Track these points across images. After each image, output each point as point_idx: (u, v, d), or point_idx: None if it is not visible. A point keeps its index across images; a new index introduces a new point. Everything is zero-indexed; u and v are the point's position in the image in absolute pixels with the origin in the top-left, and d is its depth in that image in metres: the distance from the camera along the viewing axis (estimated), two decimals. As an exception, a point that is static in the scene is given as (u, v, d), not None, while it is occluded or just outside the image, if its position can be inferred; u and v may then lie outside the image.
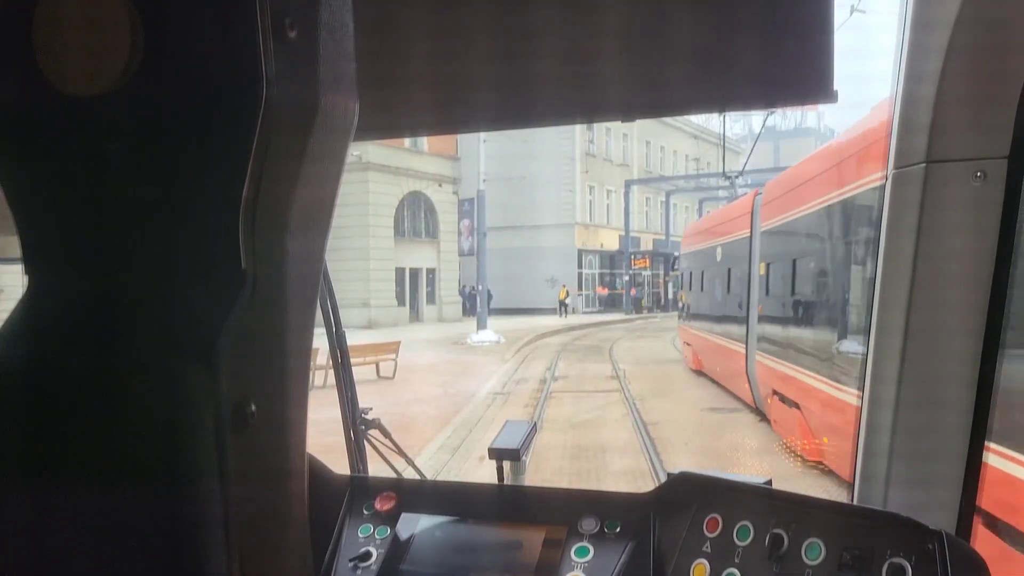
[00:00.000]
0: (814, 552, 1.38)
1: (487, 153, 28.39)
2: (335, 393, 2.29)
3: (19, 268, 0.72)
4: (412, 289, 35.59)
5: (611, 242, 43.74)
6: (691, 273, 20.03)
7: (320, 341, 1.50)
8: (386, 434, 2.33)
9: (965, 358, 1.42)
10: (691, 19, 1.20)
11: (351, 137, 0.72)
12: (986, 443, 1.45)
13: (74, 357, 0.65)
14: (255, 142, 0.61)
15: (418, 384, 16.49)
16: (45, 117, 0.65)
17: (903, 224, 1.43)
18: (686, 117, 40.42)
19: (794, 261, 10.61)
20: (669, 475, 1.70)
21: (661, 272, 43.27)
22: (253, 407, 0.63)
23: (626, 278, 42.39)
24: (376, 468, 2.27)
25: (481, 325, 26.70)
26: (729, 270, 15.16)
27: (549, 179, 40.68)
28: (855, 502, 1.57)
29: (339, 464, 2.08)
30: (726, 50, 1.22)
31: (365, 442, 2.28)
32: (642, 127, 44.30)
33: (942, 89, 1.33)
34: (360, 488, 1.91)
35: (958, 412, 1.43)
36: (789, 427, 9.93)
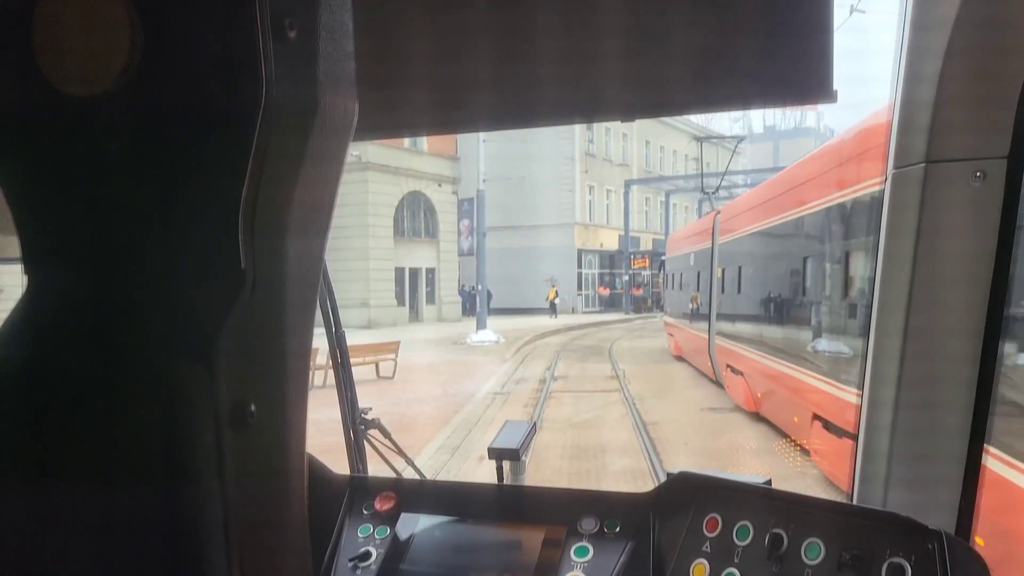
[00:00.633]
0: (814, 552, 1.38)
1: (487, 153, 28.40)
2: (335, 393, 2.29)
3: (19, 268, 0.72)
4: (412, 289, 35.58)
5: (611, 242, 43.74)
6: (671, 276, 24.28)
7: (320, 341, 1.50)
8: (386, 434, 2.33)
9: (965, 358, 1.42)
10: (691, 19, 1.20)
11: (351, 137, 0.72)
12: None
13: (73, 357, 0.65)
14: (254, 142, 0.61)
15: (418, 384, 16.49)
16: (45, 117, 0.65)
17: (902, 224, 1.43)
18: (686, 117, 40.41)
19: (739, 268, 14.50)
20: (669, 475, 1.70)
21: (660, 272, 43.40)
22: (252, 407, 0.63)
23: (626, 278, 42.39)
24: (376, 468, 2.27)
25: (481, 325, 26.70)
26: (698, 274, 18.88)
27: (549, 179, 40.67)
28: (855, 502, 1.57)
29: (339, 464, 2.08)
30: (726, 50, 1.22)
31: (365, 442, 2.28)
32: (641, 127, 44.31)
33: (942, 89, 1.33)
34: (360, 488, 1.91)
35: (957, 413, 1.44)
36: (736, 390, 13.62)
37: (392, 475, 2.14)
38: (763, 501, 1.49)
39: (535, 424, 1.96)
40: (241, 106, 0.60)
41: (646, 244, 44.52)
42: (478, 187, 28.13)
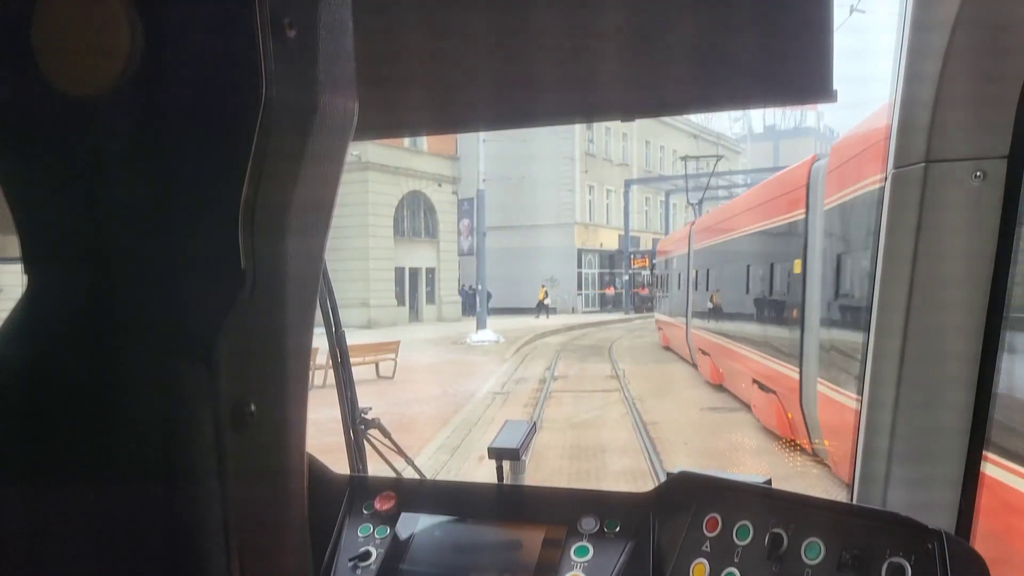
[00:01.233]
0: (813, 552, 1.38)
1: (487, 153, 28.41)
2: (335, 393, 2.29)
3: (19, 268, 0.72)
4: (411, 289, 35.58)
5: (611, 242, 43.74)
6: (659, 276, 28.26)
7: (320, 341, 1.50)
8: (385, 434, 2.33)
9: (965, 358, 1.42)
10: (691, 18, 1.20)
11: (351, 137, 0.72)
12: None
13: (73, 357, 0.65)
14: (254, 142, 0.61)
15: (417, 384, 16.50)
16: (45, 117, 0.65)
17: (902, 224, 1.43)
18: (685, 117, 40.44)
19: (708, 271, 17.82)
20: (669, 475, 1.70)
21: (661, 272, 43.50)
22: (252, 407, 0.63)
23: (626, 278, 42.37)
24: (376, 468, 2.27)
25: (480, 325, 26.70)
26: (679, 275, 22.20)
27: (548, 179, 40.68)
28: (855, 502, 1.57)
29: (339, 464, 2.08)
30: (726, 50, 1.22)
31: (365, 442, 2.28)
32: (641, 127, 44.30)
33: (942, 89, 1.33)
34: (360, 488, 1.91)
35: (957, 413, 1.44)
36: (705, 368, 16.82)
37: (392, 475, 2.14)
38: (763, 501, 1.49)
39: (535, 424, 1.96)
40: (241, 105, 0.60)
41: (646, 244, 44.51)
42: (478, 187, 28.14)
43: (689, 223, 22.41)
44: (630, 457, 10.20)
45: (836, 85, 1.19)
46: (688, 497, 1.60)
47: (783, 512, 1.44)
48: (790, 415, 10.03)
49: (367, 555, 1.76)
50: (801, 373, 9.60)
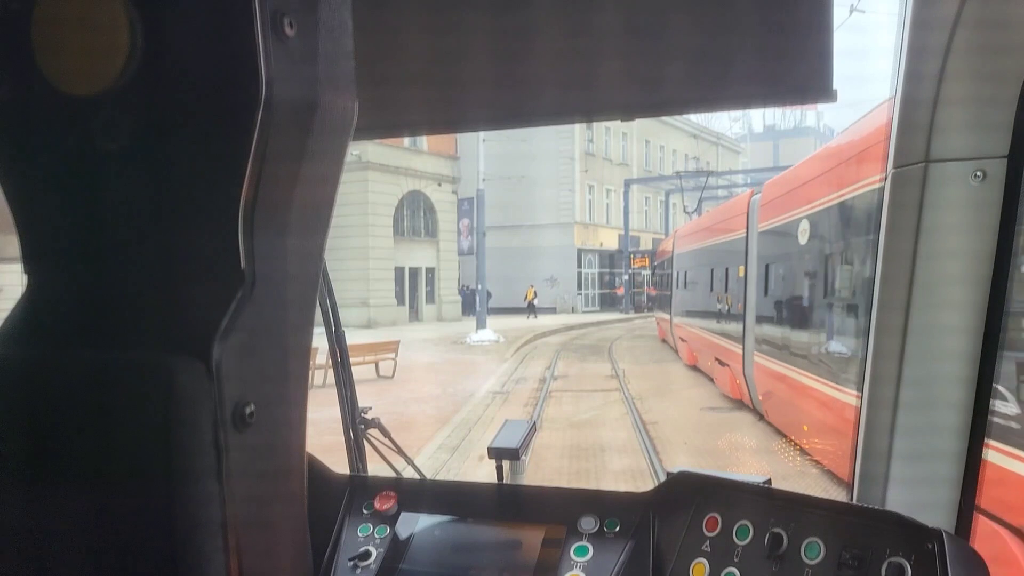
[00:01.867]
0: (813, 551, 1.38)
1: (486, 153, 28.40)
2: (334, 392, 2.29)
3: (19, 268, 0.72)
4: (411, 288, 35.56)
5: (610, 241, 43.72)
6: (656, 278, 32.37)
7: (319, 340, 1.50)
8: (385, 433, 2.33)
9: (964, 358, 1.42)
10: (691, 18, 1.20)
11: (350, 136, 0.72)
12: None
13: (73, 356, 0.65)
14: (254, 141, 0.61)
15: (417, 383, 16.49)
16: (44, 116, 0.65)
17: (902, 223, 1.43)
18: (685, 116, 40.39)
19: (686, 272, 21.03)
20: (668, 474, 1.70)
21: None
22: (252, 407, 0.63)
23: (625, 277, 42.35)
24: (375, 467, 2.27)
25: (480, 324, 26.70)
26: (666, 276, 25.77)
27: (548, 178, 40.65)
28: (855, 502, 1.57)
29: (338, 463, 2.08)
30: (726, 49, 1.22)
31: (364, 441, 2.28)
32: (641, 126, 44.28)
33: (942, 88, 1.33)
34: (359, 487, 1.91)
35: (957, 412, 1.44)
36: (683, 353, 19.93)
37: (392, 474, 2.14)
38: (763, 500, 1.49)
39: (535, 424, 1.96)
40: (240, 105, 0.60)
41: (646, 243, 44.52)
42: (478, 186, 28.13)
43: (675, 231, 26.66)
44: (630, 457, 10.20)
45: (836, 85, 1.19)
46: (688, 497, 1.60)
47: (783, 512, 1.44)
48: (738, 381, 13.44)
49: (367, 555, 1.76)
50: (743, 350, 12.92)
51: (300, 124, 0.65)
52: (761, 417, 12.24)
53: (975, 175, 1.35)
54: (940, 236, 1.40)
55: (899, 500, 1.49)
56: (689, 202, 29.43)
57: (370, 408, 2.34)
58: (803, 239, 9.91)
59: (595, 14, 1.23)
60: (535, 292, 38.38)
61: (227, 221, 0.62)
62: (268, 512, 0.67)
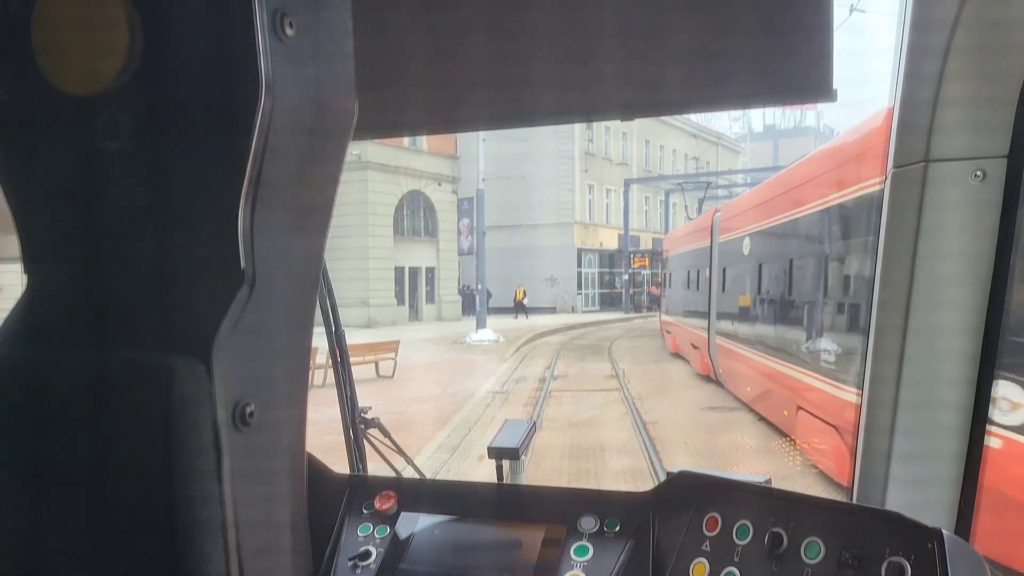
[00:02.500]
0: (813, 551, 1.38)
1: (486, 152, 28.39)
2: (334, 392, 2.29)
3: (19, 267, 0.72)
4: (411, 288, 35.56)
5: (610, 241, 43.72)
6: (655, 278, 37.49)
7: (319, 340, 1.50)
8: (385, 433, 2.33)
9: (964, 358, 1.42)
10: (691, 18, 1.20)
11: (350, 136, 0.72)
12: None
13: (72, 356, 0.65)
14: (253, 141, 0.61)
15: (417, 383, 16.49)
16: (44, 116, 0.65)
17: (902, 223, 1.43)
18: (685, 116, 40.38)
19: (670, 274, 24.81)
20: (668, 474, 1.70)
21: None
22: (252, 407, 0.63)
23: (625, 277, 42.35)
24: (375, 467, 2.27)
25: (480, 324, 26.70)
26: (657, 277, 31.50)
27: (548, 178, 40.64)
28: (855, 502, 1.57)
29: (338, 463, 2.08)
30: (726, 49, 1.22)
31: (364, 441, 2.28)
32: (641, 126, 44.26)
33: (942, 88, 1.33)
34: (359, 487, 1.91)
35: (956, 412, 1.44)
36: (668, 343, 23.00)
37: (392, 474, 2.14)
38: (763, 500, 1.49)
39: (535, 423, 1.96)
40: (240, 105, 0.60)
41: (645, 243, 44.51)
42: (478, 186, 28.12)
43: (665, 237, 31.15)
44: (630, 456, 10.20)
45: (836, 84, 1.19)
46: (688, 496, 1.60)
47: (783, 511, 1.44)
48: (706, 361, 16.53)
49: (367, 554, 1.76)
50: (708, 337, 16.26)
51: (300, 124, 0.65)
52: (760, 418, 12.56)
53: (975, 175, 1.35)
54: (940, 236, 1.40)
55: (899, 500, 1.49)
56: (690, 202, 30.34)
57: (370, 408, 2.35)
58: (745, 251, 13.67)
59: (595, 14, 1.23)
60: (524, 292, 38.15)
61: (227, 221, 0.62)
62: (268, 512, 0.67)
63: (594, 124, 37.11)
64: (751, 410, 13.01)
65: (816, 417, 8.71)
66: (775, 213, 11.67)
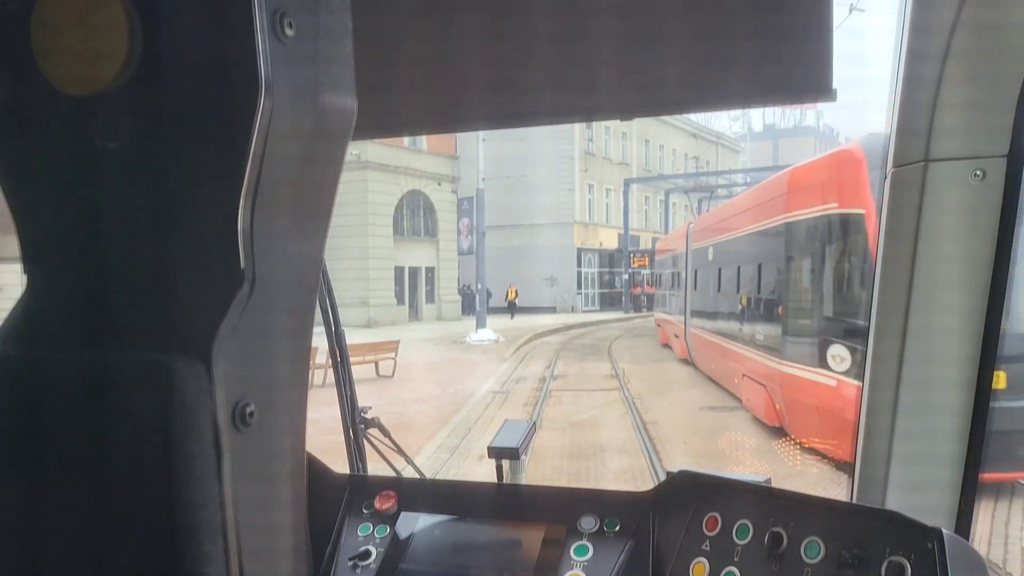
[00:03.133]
0: (813, 551, 1.38)
1: (486, 153, 28.38)
2: (334, 392, 2.29)
3: (19, 267, 0.72)
4: (411, 288, 35.55)
5: (610, 241, 43.71)
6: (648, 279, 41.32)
7: (319, 340, 1.50)
8: (385, 433, 2.33)
9: (963, 359, 1.42)
10: (691, 17, 1.20)
11: (350, 137, 0.72)
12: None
13: (71, 357, 0.65)
14: (252, 143, 0.61)
15: (417, 383, 16.49)
16: (44, 116, 0.65)
17: (901, 223, 1.43)
18: (685, 116, 40.37)
19: (660, 275, 28.42)
20: (668, 474, 1.70)
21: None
22: (252, 407, 0.63)
23: (625, 277, 42.35)
24: (375, 467, 2.27)
25: (480, 324, 26.69)
26: (652, 278, 35.37)
27: (548, 178, 40.64)
28: (854, 502, 1.57)
29: (338, 463, 2.08)
30: (726, 49, 1.22)
31: (364, 441, 2.29)
32: (640, 126, 44.25)
33: (941, 87, 1.33)
34: (359, 487, 1.91)
35: (956, 415, 1.44)
36: (659, 334, 25.61)
37: (392, 474, 2.14)
38: (763, 500, 1.49)
39: (535, 423, 1.96)
40: (240, 107, 0.60)
41: (645, 243, 44.47)
42: (477, 186, 28.12)
43: (657, 242, 35.49)
44: (629, 456, 10.20)
45: (835, 84, 1.19)
46: (688, 496, 1.60)
47: (783, 511, 1.44)
48: (684, 347, 19.90)
49: (367, 554, 1.76)
50: (685, 326, 19.84)
51: (300, 125, 0.65)
52: (757, 418, 12.64)
53: (975, 174, 1.35)
54: (939, 236, 1.40)
55: (899, 502, 1.49)
56: (690, 202, 33.56)
57: (370, 408, 2.35)
58: (709, 258, 17.64)
59: (595, 14, 1.23)
60: (516, 291, 37.85)
61: (226, 222, 0.62)
62: (268, 513, 0.67)
63: (594, 124, 37.12)
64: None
65: (753, 380, 12.54)
66: (728, 230, 15.67)
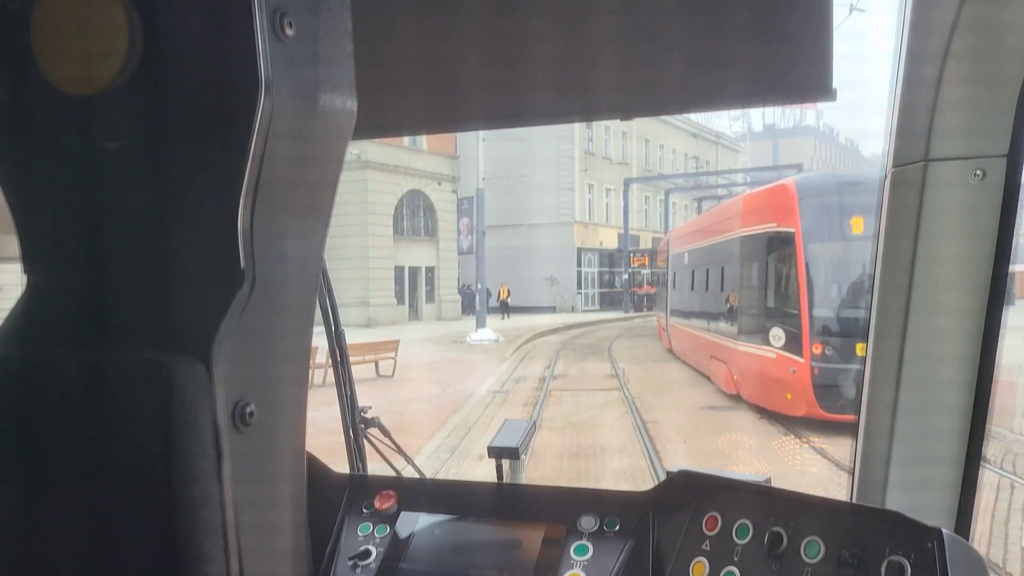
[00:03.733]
0: (813, 550, 1.38)
1: (486, 153, 28.38)
2: (334, 392, 2.29)
3: (19, 267, 0.72)
4: (411, 288, 35.54)
5: (610, 240, 43.71)
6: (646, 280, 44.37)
7: (319, 340, 1.50)
8: (385, 433, 2.33)
9: (963, 359, 1.42)
10: (691, 17, 1.20)
11: (349, 137, 0.72)
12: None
13: (72, 357, 0.65)
14: (252, 143, 0.61)
15: (417, 383, 16.49)
16: (44, 116, 0.65)
17: (901, 223, 1.43)
18: (685, 115, 40.35)
19: (657, 276, 31.20)
20: (668, 473, 1.70)
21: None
22: (252, 407, 0.63)
23: (625, 276, 42.36)
24: (375, 467, 2.27)
25: (480, 324, 26.69)
26: (651, 277, 38.74)
27: (548, 178, 40.63)
28: (854, 502, 1.57)
29: (338, 463, 2.08)
30: (726, 49, 1.22)
31: (364, 441, 2.29)
32: (640, 126, 44.25)
33: (941, 87, 1.33)
34: (359, 487, 1.91)
35: (956, 415, 1.44)
36: (658, 329, 26.75)
37: (392, 474, 2.14)
38: (762, 500, 1.49)
39: (535, 423, 1.96)
40: (240, 107, 0.60)
41: (645, 243, 44.48)
42: (477, 186, 28.11)
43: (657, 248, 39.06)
44: (630, 456, 10.20)
45: (835, 84, 1.19)
46: (687, 496, 1.60)
47: (783, 511, 1.44)
48: (666, 337, 23.38)
49: (367, 554, 1.76)
50: (667, 319, 23.47)
51: (299, 125, 0.65)
52: (760, 416, 12.76)
53: (974, 174, 1.35)
54: (939, 236, 1.40)
55: (898, 502, 1.49)
56: (690, 202, 34.82)
57: (370, 407, 2.35)
58: (685, 262, 21.42)
59: (595, 14, 1.23)
60: (508, 291, 37.61)
61: (226, 222, 0.62)
62: (268, 513, 0.67)
63: (594, 124, 37.11)
64: (750, 409, 13.19)
65: (718, 359, 15.97)
66: (697, 240, 19.84)
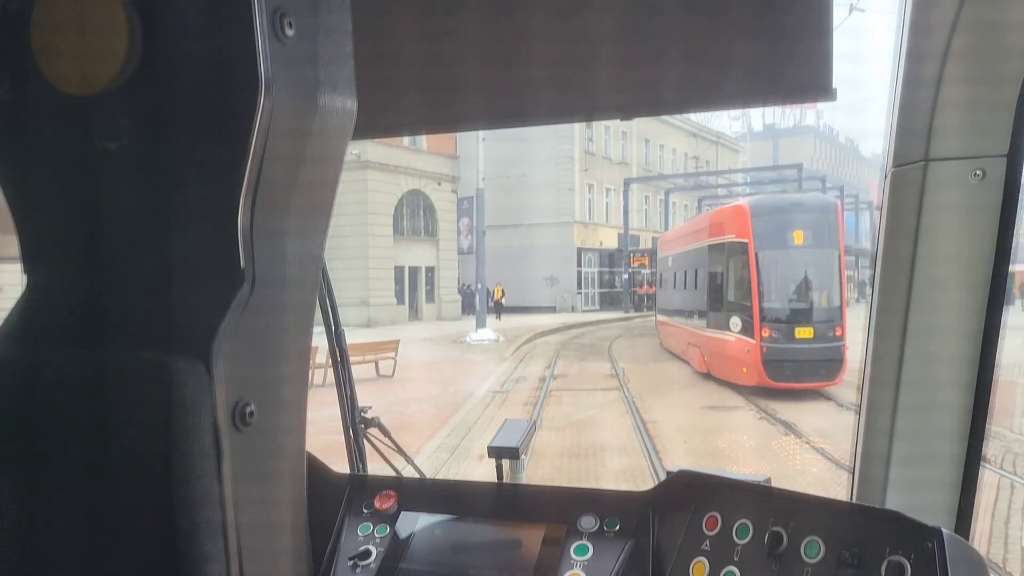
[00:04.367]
0: (813, 550, 1.37)
1: (486, 153, 28.37)
2: (334, 392, 2.29)
3: (19, 267, 0.72)
4: (411, 288, 35.53)
5: (610, 240, 43.71)
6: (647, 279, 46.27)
7: (319, 340, 1.50)
8: (385, 433, 2.33)
9: (963, 359, 1.42)
10: (691, 17, 1.20)
11: (349, 137, 0.72)
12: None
13: (71, 356, 0.65)
14: (252, 143, 0.61)
15: (417, 383, 16.50)
16: (44, 116, 0.65)
17: (901, 223, 1.43)
18: (685, 115, 40.34)
19: (651, 279, 35.32)
20: (668, 473, 1.70)
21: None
22: (252, 407, 0.63)
23: (625, 276, 42.35)
24: (375, 467, 2.27)
25: (480, 324, 26.69)
26: (651, 277, 39.88)
27: (548, 178, 40.63)
28: (854, 502, 1.57)
29: (338, 463, 2.08)
30: (726, 49, 1.22)
31: (364, 441, 2.29)
32: (640, 126, 44.23)
33: (941, 88, 1.33)
34: (359, 487, 1.91)
35: (956, 415, 1.44)
36: (656, 325, 28.38)
37: (392, 474, 2.14)
38: (763, 499, 1.49)
39: (535, 423, 1.96)
40: (239, 107, 0.60)
41: (645, 242, 44.46)
42: (477, 186, 28.11)
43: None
44: (630, 456, 10.21)
45: (835, 84, 1.19)
46: (688, 496, 1.60)
47: (783, 511, 1.44)
48: (657, 328, 26.13)
49: (367, 554, 1.76)
50: (656, 314, 26.48)
51: (299, 125, 0.65)
52: (760, 417, 12.78)
53: (974, 174, 1.35)
54: (939, 236, 1.40)
55: (898, 502, 1.49)
56: (689, 202, 35.68)
57: (370, 407, 2.35)
58: (670, 264, 24.57)
59: (594, 13, 1.23)
60: (503, 291, 37.23)
61: (226, 222, 0.62)
62: (268, 513, 0.67)
63: (593, 124, 37.11)
64: (751, 409, 13.21)
65: (693, 345, 19.18)
66: (678, 247, 23.44)
